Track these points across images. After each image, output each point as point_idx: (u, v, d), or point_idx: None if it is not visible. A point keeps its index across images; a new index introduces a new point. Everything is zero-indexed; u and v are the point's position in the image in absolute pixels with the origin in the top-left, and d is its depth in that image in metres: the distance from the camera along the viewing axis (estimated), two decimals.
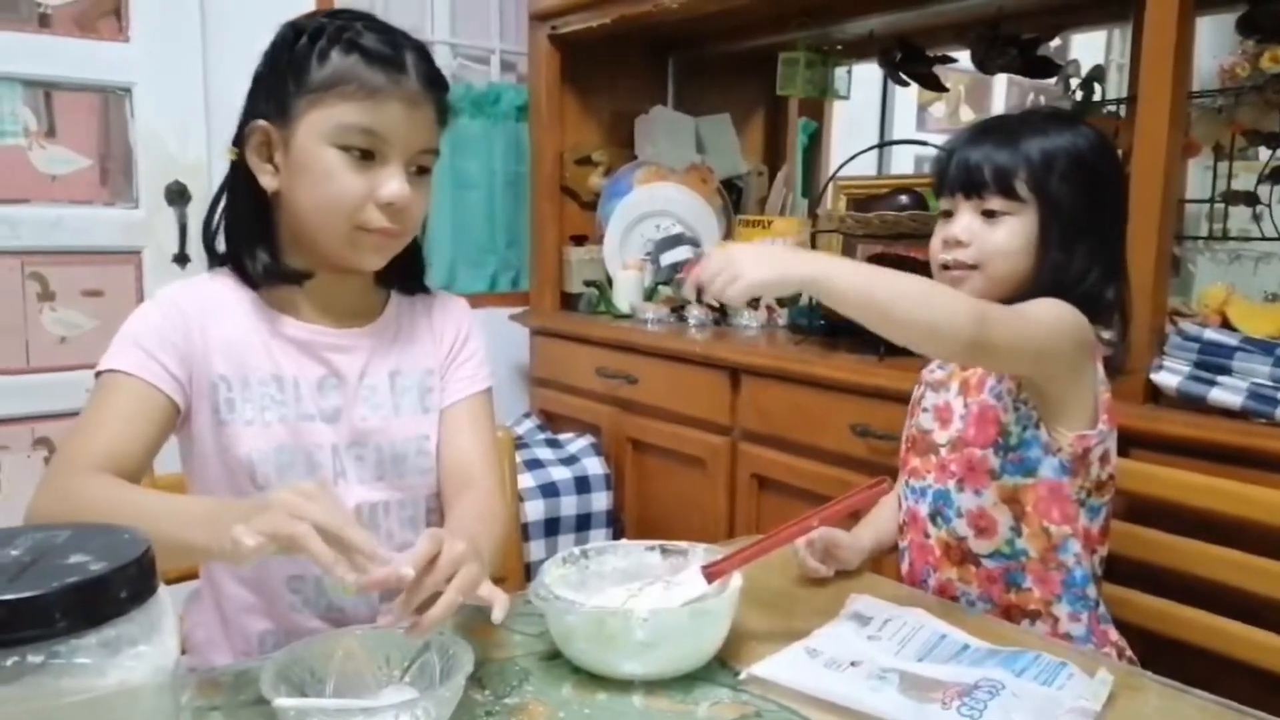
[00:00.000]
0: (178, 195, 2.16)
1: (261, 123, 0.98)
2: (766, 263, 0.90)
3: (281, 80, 0.97)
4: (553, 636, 0.90)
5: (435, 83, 1.00)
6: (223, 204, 1.05)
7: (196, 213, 2.18)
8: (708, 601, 0.90)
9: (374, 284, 1.10)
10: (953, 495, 1.10)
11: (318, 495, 0.77)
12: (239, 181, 1.02)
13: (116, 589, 0.51)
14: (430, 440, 1.10)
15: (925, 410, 1.16)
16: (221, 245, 1.05)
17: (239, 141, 1.01)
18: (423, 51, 1.00)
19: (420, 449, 1.09)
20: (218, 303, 1.02)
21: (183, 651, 1.03)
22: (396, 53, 0.97)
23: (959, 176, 1.08)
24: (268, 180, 1.00)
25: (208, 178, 2.19)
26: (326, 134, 0.95)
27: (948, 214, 1.11)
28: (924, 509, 1.13)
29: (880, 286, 0.92)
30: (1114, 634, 1.10)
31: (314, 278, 1.03)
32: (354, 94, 0.94)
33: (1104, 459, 1.08)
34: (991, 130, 1.09)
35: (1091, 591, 1.09)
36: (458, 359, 1.14)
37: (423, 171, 1.01)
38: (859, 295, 0.92)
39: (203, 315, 1.00)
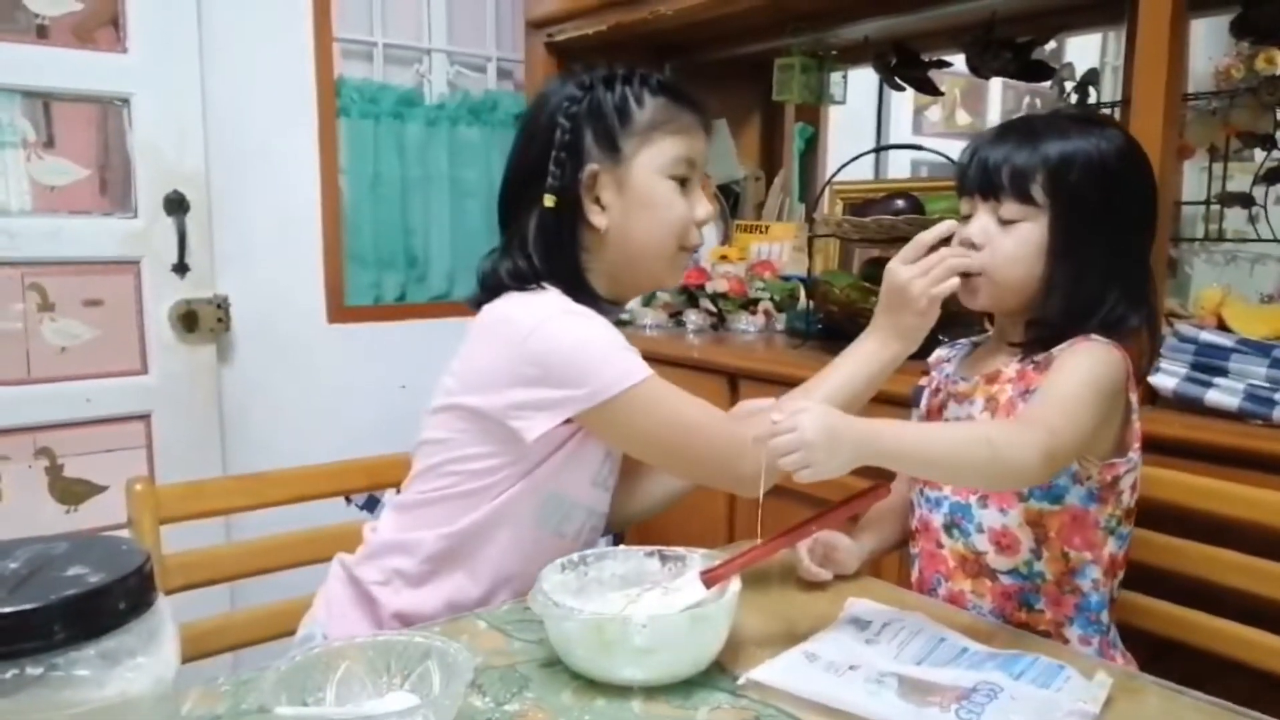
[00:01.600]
0: (176, 205, 2.16)
1: (593, 166, 1.07)
2: (840, 457, 0.87)
3: (607, 127, 1.07)
4: (552, 643, 0.90)
5: (705, 110, 1.13)
6: (534, 249, 1.10)
7: (195, 222, 2.18)
8: (706, 607, 0.90)
9: None
10: (974, 510, 1.09)
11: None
12: (563, 225, 1.09)
13: (115, 600, 0.51)
14: None
15: (948, 421, 1.14)
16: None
17: (556, 191, 1.07)
18: (687, 86, 1.14)
19: None
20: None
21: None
22: (684, 88, 1.12)
23: (977, 177, 1.07)
24: (598, 219, 1.09)
25: (206, 187, 2.19)
26: (663, 167, 1.08)
27: (966, 217, 1.10)
28: (938, 519, 1.12)
29: (944, 458, 0.91)
30: (1120, 658, 1.09)
31: (617, 308, 1.16)
32: (675, 130, 1.09)
33: (1134, 487, 1.08)
34: (1014, 130, 1.08)
35: (1105, 617, 1.08)
36: None
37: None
38: (927, 468, 0.97)
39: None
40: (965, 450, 0.90)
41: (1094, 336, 1.02)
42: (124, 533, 1.25)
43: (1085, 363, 1.00)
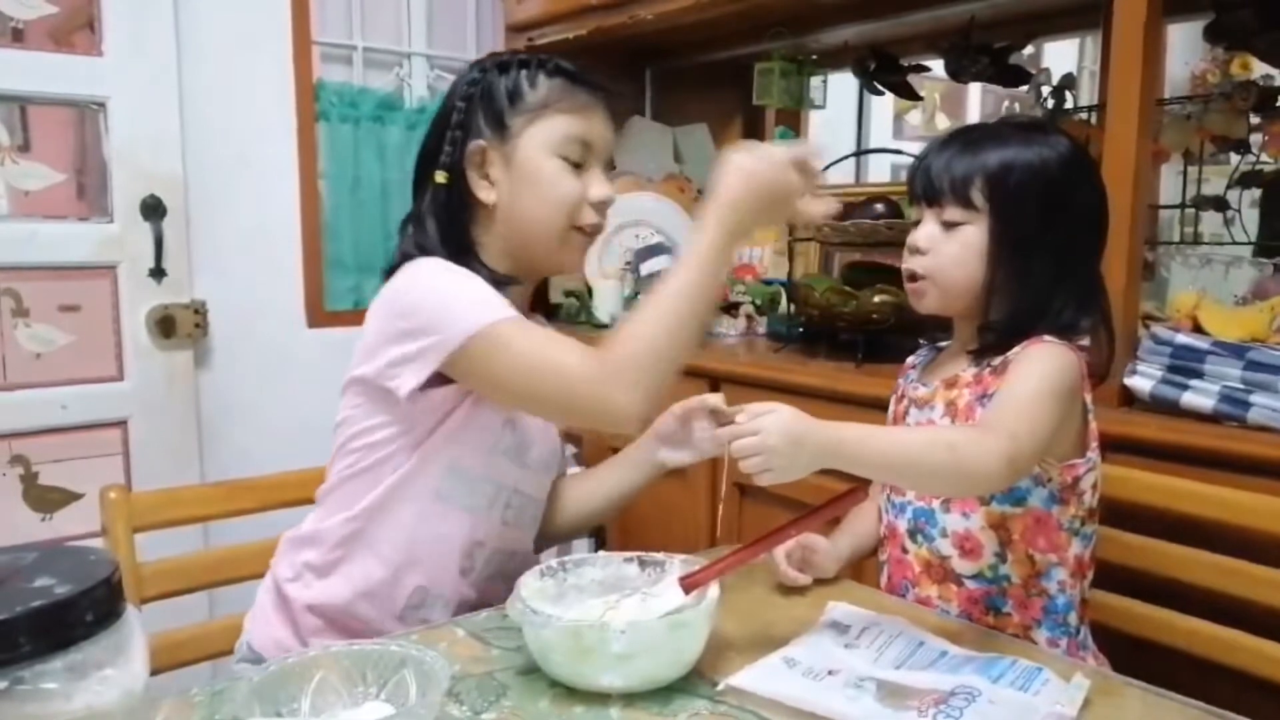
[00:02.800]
0: (153, 210, 2.14)
1: (480, 142, 1.10)
2: (802, 462, 0.88)
3: (496, 105, 1.10)
4: (530, 650, 0.89)
5: (612, 96, 1.15)
6: (430, 224, 1.12)
7: (172, 226, 2.17)
8: (685, 613, 0.89)
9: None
10: (937, 515, 1.09)
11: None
12: (451, 200, 1.11)
13: (82, 612, 0.50)
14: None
15: (910, 426, 1.15)
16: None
17: (447, 167, 1.10)
18: (598, 70, 1.14)
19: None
20: None
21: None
22: (587, 73, 1.12)
23: (921, 183, 1.10)
24: (487, 194, 1.11)
25: (183, 192, 2.18)
26: (550, 145, 1.09)
27: (917, 223, 1.12)
28: (903, 525, 1.13)
29: (907, 465, 0.92)
30: (1091, 659, 1.10)
31: (515, 285, 1.14)
32: (569, 109, 1.10)
33: (1095, 486, 1.09)
34: (956, 139, 1.10)
35: (1073, 618, 1.09)
36: None
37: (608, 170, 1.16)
38: (889, 473, 0.98)
39: None
40: (927, 456, 0.91)
41: (1047, 338, 1.04)
42: (99, 541, 1.23)
43: (1040, 367, 1.01)
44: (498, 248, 1.13)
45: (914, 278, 1.12)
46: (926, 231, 1.10)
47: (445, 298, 1.04)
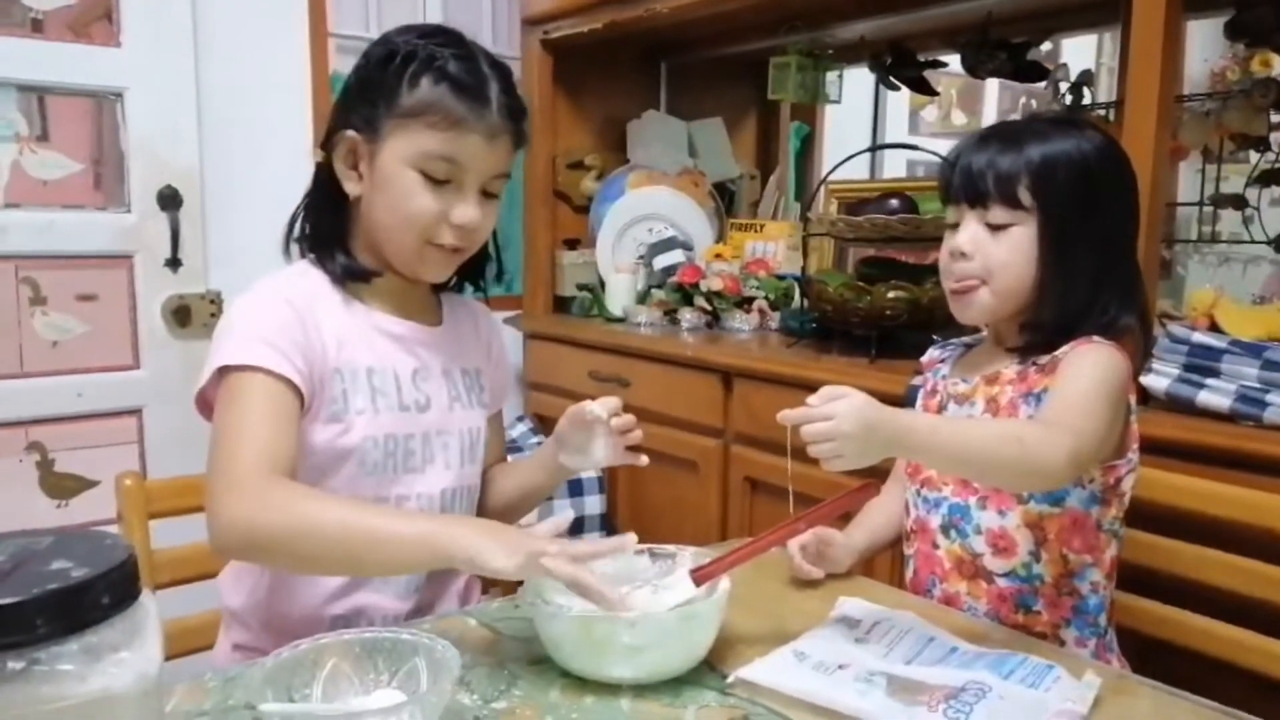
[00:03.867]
0: (170, 200, 2.16)
1: (350, 133, 1.04)
2: (874, 450, 0.86)
3: (372, 98, 1.02)
4: (541, 641, 0.90)
5: (515, 113, 1.05)
6: (309, 202, 1.10)
7: (188, 217, 2.18)
8: (695, 605, 0.89)
9: (429, 289, 1.17)
10: (973, 511, 1.08)
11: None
12: (322, 182, 1.08)
13: (98, 595, 0.51)
14: (484, 434, 1.19)
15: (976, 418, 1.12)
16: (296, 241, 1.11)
17: (326, 145, 1.06)
18: (507, 82, 1.05)
19: (481, 440, 1.18)
20: (316, 296, 1.07)
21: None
22: (481, 85, 1.01)
23: (962, 185, 1.06)
24: (351, 186, 1.06)
25: (199, 182, 2.19)
26: (410, 158, 1.01)
27: (954, 225, 1.09)
28: (936, 520, 1.12)
29: (976, 455, 0.91)
30: (1116, 662, 1.09)
31: (383, 277, 1.09)
32: (439, 124, 1.00)
33: (1132, 487, 1.08)
34: (995, 136, 1.07)
35: (1103, 620, 1.08)
36: (498, 368, 1.25)
37: (492, 194, 1.07)
38: (957, 463, 0.95)
39: (310, 309, 1.04)
40: (996, 449, 0.90)
41: (1095, 339, 1.02)
42: (114, 528, 1.24)
43: (1095, 366, 0.99)
44: (365, 241, 1.09)
45: (962, 284, 1.08)
46: (970, 234, 1.06)
47: (228, 326, 1.01)
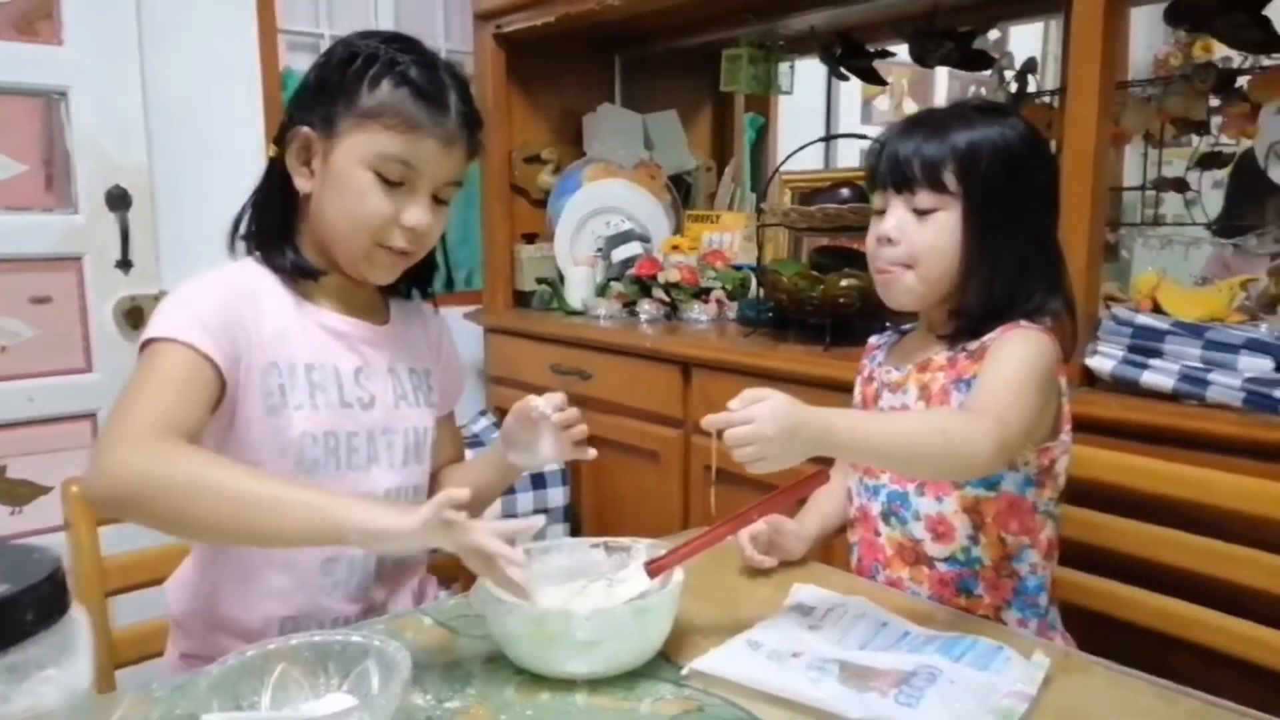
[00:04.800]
0: (119, 200, 2.12)
1: (305, 130, 1.04)
2: (795, 451, 0.86)
3: (331, 96, 1.03)
4: (495, 638, 0.90)
5: (471, 122, 1.06)
6: (259, 196, 1.10)
7: (138, 217, 2.14)
8: (649, 598, 0.90)
9: (376, 288, 1.16)
10: (911, 498, 1.10)
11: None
12: (274, 178, 1.08)
13: (22, 611, 0.49)
14: (432, 434, 1.18)
15: (882, 410, 1.14)
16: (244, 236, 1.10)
17: (280, 141, 1.06)
18: (464, 91, 1.06)
19: (428, 440, 1.17)
20: (258, 288, 1.06)
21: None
22: (441, 92, 1.03)
23: (889, 171, 1.07)
24: (302, 183, 1.06)
25: (149, 181, 2.15)
26: (365, 158, 1.01)
27: (880, 211, 1.10)
28: (876, 508, 1.13)
29: (899, 450, 0.91)
30: (1060, 639, 1.11)
31: (329, 276, 1.09)
32: (397, 126, 1.01)
33: (1065, 469, 1.09)
34: (921, 123, 1.08)
35: (1043, 599, 1.10)
36: (448, 370, 1.25)
37: (442, 201, 1.07)
38: (881, 459, 0.98)
39: (251, 300, 1.04)
40: (920, 441, 0.91)
41: (1022, 323, 1.04)
42: (62, 535, 1.22)
43: (1022, 351, 1.01)
44: (312, 240, 1.08)
45: (887, 270, 1.09)
46: (896, 219, 1.07)
47: (167, 301, 1.01)
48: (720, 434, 0.87)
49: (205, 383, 0.97)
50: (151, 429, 0.90)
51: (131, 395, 0.95)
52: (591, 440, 1.10)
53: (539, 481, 2.20)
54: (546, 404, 1.07)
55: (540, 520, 0.93)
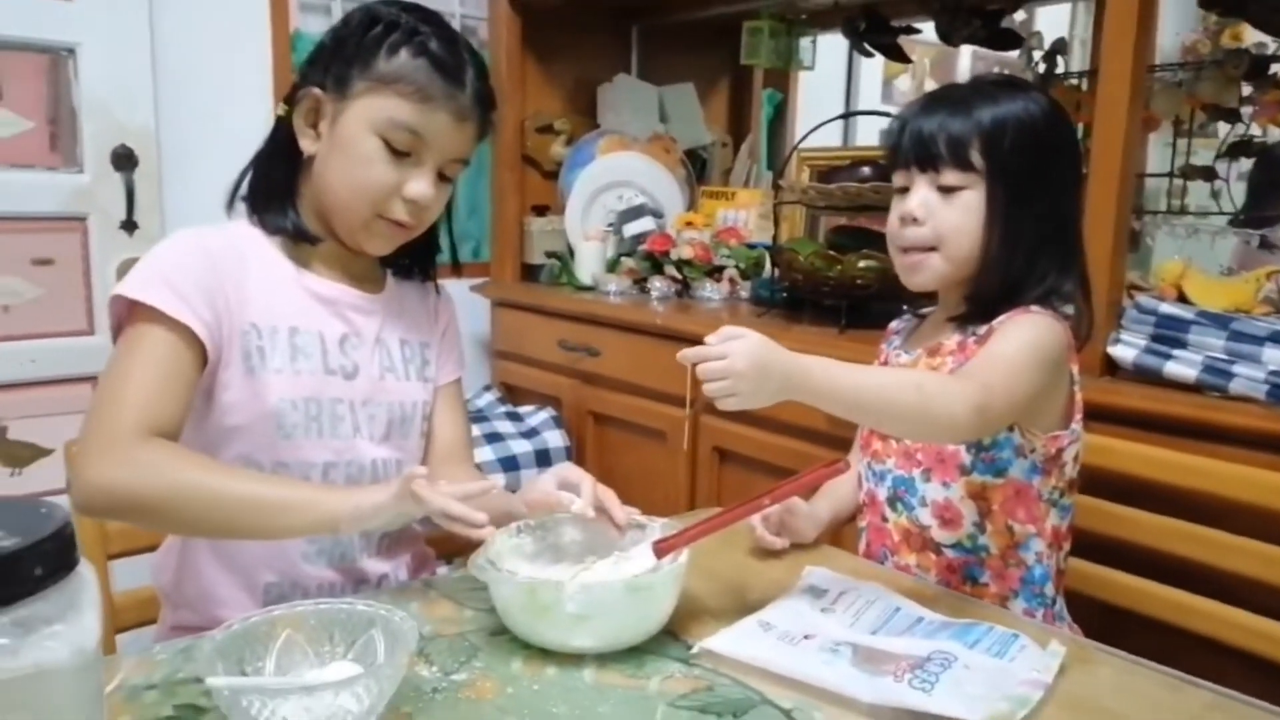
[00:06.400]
0: (124, 160, 2.09)
1: (316, 91, 1.02)
2: (767, 391, 0.86)
3: (347, 59, 1.01)
4: (497, 609, 0.88)
5: (485, 101, 1.05)
6: (261, 155, 1.08)
7: (144, 178, 2.12)
8: (644, 577, 0.88)
9: (375, 258, 1.13)
10: (917, 484, 1.08)
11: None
12: (279, 137, 1.06)
13: (30, 566, 0.48)
14: (426, 408, 1.16)
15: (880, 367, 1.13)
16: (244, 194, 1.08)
17: (290, 100, 1.04)
18: (482, 69, 1.05)
19: (421, 414, 1.15)
20: (244, 249, 1.04)
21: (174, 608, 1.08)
22: (459, 67, 1.02)
23: (912, 149, 1.05)
24: (307, 144, 1.04)
25: (155, 142, 2.13)
26: (375, 123, 1.00)
27: (903, 190, 1.08)
28: (883, 493, 1.12)
29: (871, 405, 0.90)
30: (1066, 631, 1.09)
31: (326, 242, 1.07)
32: (411, 95, 0.99)
33: (1076, 458, 1.08)
34: (943, 100, 1.06)
35: (1049, 589, 1.08)
36: (447, 342, 1.22)
37: (447, 178, 1.06)
38: (855, 409, 0.92)
39: (233, 260, 1.02)
40: (894, 394, 0.90)
41: (1034, 308, 1.02)
42: (64, 498, 1.21)
43: (1026, 331, 0.99)
44: (311, 203, 1.06)
45: (912, 251, 1.07)
46: (921, 198, 1.05)
47: (146, 258, 0.99)
48: (694, 367, 0.87)
49: (184, 361, 0.96)
50: (131, 433, 0.90)
51: (111, 387, 0.94)
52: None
53: (544, 459, 2.19)
54: (586, 506, 0.99)
55: (497, 480, 0.95)
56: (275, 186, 1.06)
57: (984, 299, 1.05)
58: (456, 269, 1.23)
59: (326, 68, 1.03)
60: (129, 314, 0.97)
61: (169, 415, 0.94)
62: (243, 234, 1.06)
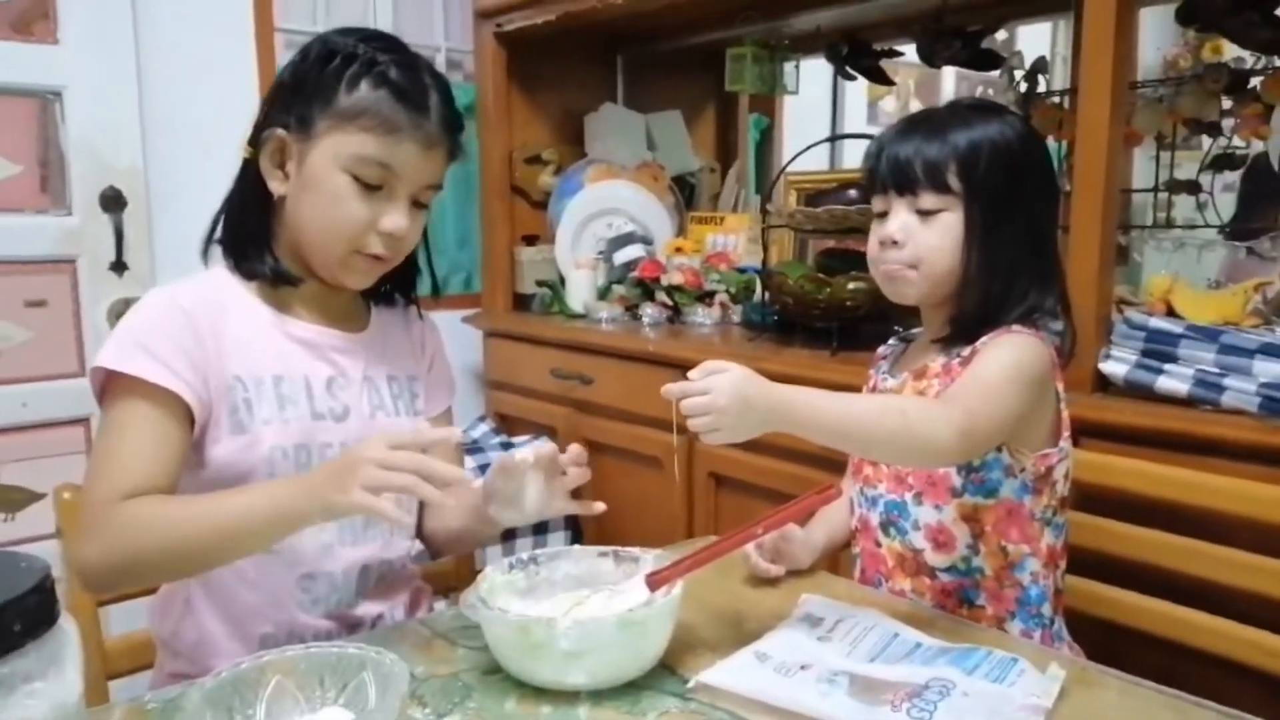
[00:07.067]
0: (113, 202, 2.10)
1: (280, 132, 1.00)
2: (750, 424, 0.87)
3: (307, 97, 0.99)
4: (491, 649, 0.87)
5: (452, 125, 1.03)
6: (232, 201, 1.07)
7: (133, 219, 2.12)
8: (637, 611, 0.87)
9: (357, 293, 1.12)
10: (909, 508, 1.08)
11: (390, 444, 0.86)
12: (248, 180, 1.04)
13: (9, 622, 0.48)
14: None
15: (864, 394, 1.14)
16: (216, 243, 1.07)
17: (255, 142, 1.03)
18: (445, 93, 1.03)
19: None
20: (221, 301, 1.03)
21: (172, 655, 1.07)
22: (421, 94, 1.00)
23: (890, 173, 1.06)
24: (276, 186, 1.02)
25: (144, 183, 2.13)
26: (342, 160, 0.98)
27: (882, 214, 1.09)
28: (875, 518, 1.12)
29: (856, 434, 0.91)
30: (1066, 650, 1.08)
31: (306, 283, 1.06)
32: (375, 128, 0.98)
33: (1066, 475, 1.08)
34: (919, 124, 1.07)
35: (1047, 609, 1.08)
36: (434, 372, 1.20)
37: (422, 204, 1.05)
38: (840, 438, 0.93)
39: (212, 314, 1.01)
40: (878, 421, 0.90)
41: (1016, 328, 1.02)
42: (55, 542, 1.20)
43: (1007, 352, 1.00)
44: (287, 243, 1.05)
45: (892, 272, 1.08)
46: (900, 222, 1.06)
47: (121, 325, 0.99)
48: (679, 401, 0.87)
49: (169, 425, 0.96)
50: (103, 507, 0.92)
51: (97, 465, 0.95)
52: (593, 446, 1.06)
53: None
54: (530, 452, 1.00)
55: (455, 431, 1.04)
56: (250, 231, 1.05)
57: (966, 320, 1.06)
58: (437, 295, 1.21)
59: (288, 107, 1.01)
60: (111, 384, 0.96)
61: (158, 484, 0.94)
62: (219, 283, 1.04)
